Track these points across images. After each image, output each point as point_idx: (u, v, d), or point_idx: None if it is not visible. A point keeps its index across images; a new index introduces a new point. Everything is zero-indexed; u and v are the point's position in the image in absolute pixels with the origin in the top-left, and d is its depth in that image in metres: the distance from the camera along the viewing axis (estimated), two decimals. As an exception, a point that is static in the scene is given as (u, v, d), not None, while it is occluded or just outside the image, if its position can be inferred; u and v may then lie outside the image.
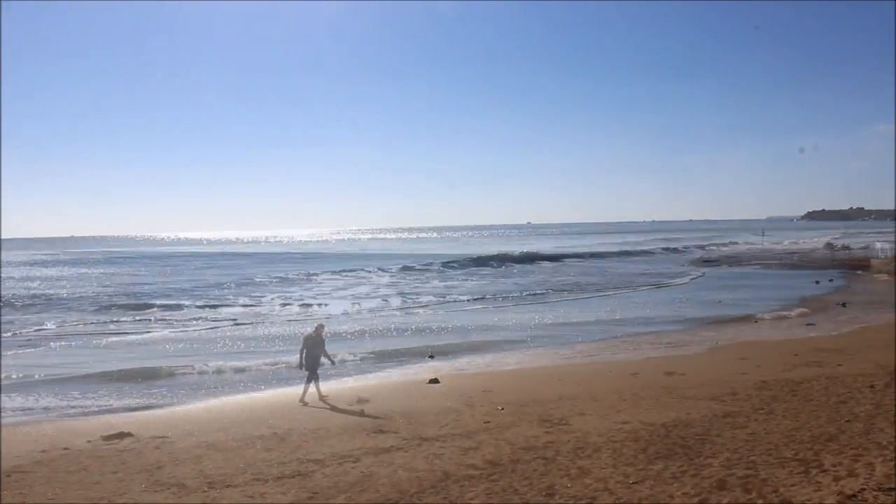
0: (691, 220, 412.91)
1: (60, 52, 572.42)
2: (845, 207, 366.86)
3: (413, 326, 29.93)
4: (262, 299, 43.71)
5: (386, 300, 42.55)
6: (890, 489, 7.54)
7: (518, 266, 74.15)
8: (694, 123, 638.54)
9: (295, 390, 17.13)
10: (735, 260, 69.62)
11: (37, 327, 32.02)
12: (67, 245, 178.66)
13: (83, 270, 77.47)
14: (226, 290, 50.60)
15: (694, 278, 53.46)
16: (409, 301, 41.43)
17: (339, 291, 49.78)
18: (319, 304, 40.49)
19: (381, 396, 15.81)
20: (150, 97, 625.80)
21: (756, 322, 29.61)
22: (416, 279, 59.66)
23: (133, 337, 28.89)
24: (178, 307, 39.58)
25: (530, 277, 58.85)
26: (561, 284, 50.62)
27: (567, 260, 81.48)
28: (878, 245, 60.05)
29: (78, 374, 20.42)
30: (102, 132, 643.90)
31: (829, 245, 74.93)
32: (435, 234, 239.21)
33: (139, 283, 58.34)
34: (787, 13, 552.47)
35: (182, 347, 25.75)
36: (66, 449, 11.79)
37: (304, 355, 16.21)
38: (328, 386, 16.36)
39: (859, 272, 53.55)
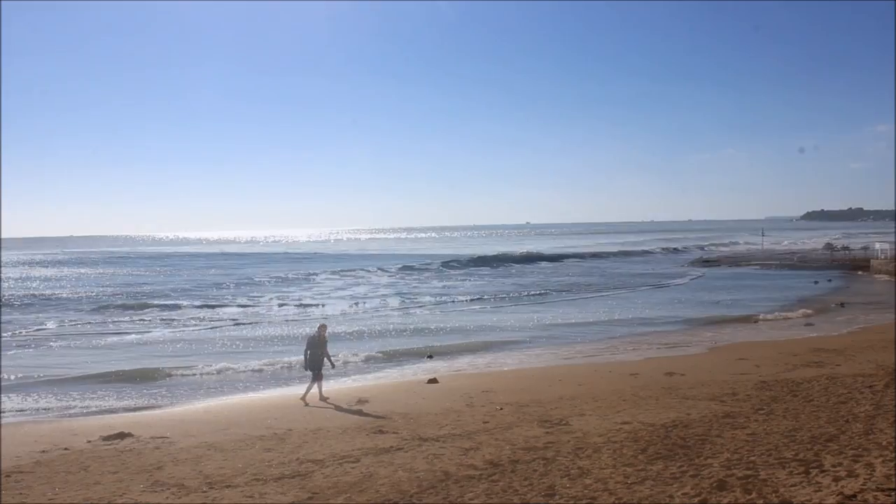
0: (690, 221, 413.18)
1: (60, 52, 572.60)
2: (844, 208, 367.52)
3: (412, 327, 29.94)
4: (262, 299, 43.73)
5: (385, 300, 42.57)
6: (890, 489, 7.53)
7: (517, 266, 74.19)
8: (693, 123, 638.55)
9: (294, 390, 17.14)
10: (735, 260, 69.63)
11: (36, 327, 32.03)
12: (66, 245, 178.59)
13: (82, 270, 77.45)
14: (225, 291, 50.61)
15: (693, 279, 53.50)
16: (408, 301, 41.43)
17: (338, 291, 49.79)
18: (318, 305, 40.51)
19: (381, 397, 15.81)
20: (149, 97, 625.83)
21: (756, 322, 29.64)
22: (416, 279, 59.67)
23: (132, 337, 28.89)
24: (178, 307, 39.60)
25: (529, 278, 58.87)
26: (560, 285, 50.64)
27: (566, 260, 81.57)
28: (878, 245, 59.98)
29: (77, 374, 20.44)
30: (101, 132, 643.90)
31: (828, 245, 74.90)
32: (434, 234, 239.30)
33: (138, 283, 58.34)
34: (787, 13, 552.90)
35: (181, 347, 25.75)
36: (66, 449, 11.78)
37: (307, 356, 16.22)
38: (328, 386, 16.36)
39: (860, 272, 53.62)
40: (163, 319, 34.39)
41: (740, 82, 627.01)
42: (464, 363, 21.53)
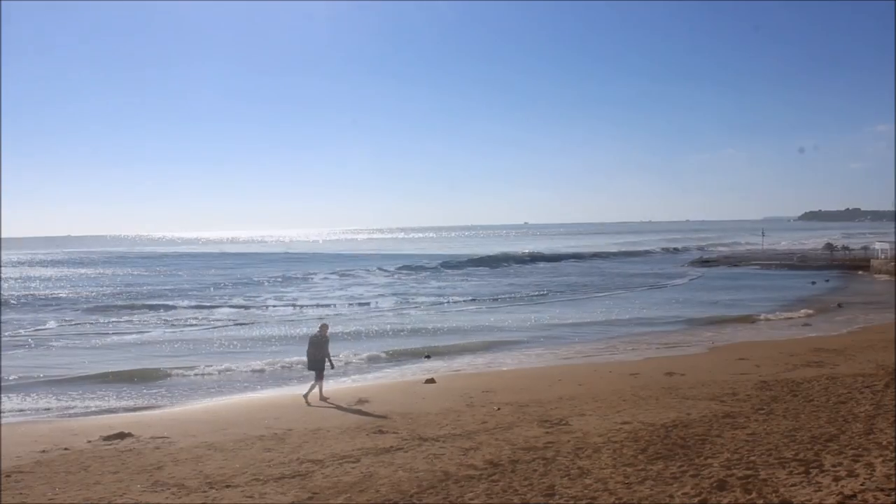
0: (687, 221, 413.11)
1: (59, 51, 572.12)
2: (842, 209, 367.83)
3: (411, 327, 29.94)
4: (260, 300, 43.74)
5: (383, 300, 42.56)
6: (890, 489, 7.54)
7: (516, 266, 74.23)
8: (693, 123, 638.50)
9: (294, 390, 17.15)
10: (734, 260, 69.65)
11: (36, 327, 32.02)
12: (64, 244, 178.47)
13: (82, 270, 77.41)
14: (224, 291, 50.61)
15: (693, 279, 53.53)
16: (406, 302, 41.43)
17: (336, 292, 49.80)
18: (317, 305, 40.51)
19: (381, 397, 15.81)
20: (149, 96, 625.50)
21: (756, 322, 29.67)
22: (414, 279, 59.69)
23: (132, 337, 28.89)
24: (177, 307, 39.62)
25: (528, 278, 58.89)
26: (560, 285, 50.66)
27: (565, 260, 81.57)
28: (878, 245, 60.06)
29: (77, 374, 20.42)
30: (101, 132, 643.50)
31: (828, 245, 74.98)
32: (432, 235, 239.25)
33: (138, 283, 58.33)
34: (787, 13, 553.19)
35: (181, 347, 25.74)
36: (66, 449, 11.78)
37: (309, 355, 16.23)
38: (327, 386, 16.35)
39: (860, 272, 53.69)
40: (162, 319, 34.39)
41: (740, 82, 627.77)
42: (463, 363, 21.55)
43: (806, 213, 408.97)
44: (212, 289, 51.92)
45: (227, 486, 9.35)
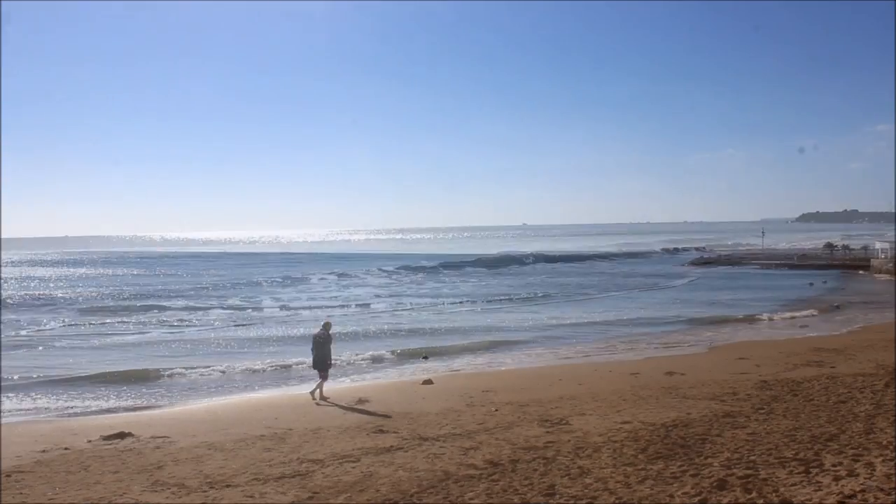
0: (685, 222, 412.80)
1: (59, 51, 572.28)
2: (839, 210, 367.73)
3: (410, 327, 29.93)
4: (259, 300, 43.71)
5: (382, 301, 42.53)
6: (890, 489, 7.54)
7: (515, 267, 74.26)
8: (693, 124, 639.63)
9: (294, 390, 17.16)
10: (734, 260, 69.70)
11: (36, 327, 32.02)
12: (63, 245, 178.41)
13: (81, 271, 77.40)
14: (223, 291, 50.60)
15: (693, 279, 53.54)
16: (405, 302, 41.42)
17: (334, 292, 49.79)
18: (316, 306, 40.45)
19: (381, 396, 15.80)
20: (149, 96, 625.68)
21: (756, 322, 29.67)
22: (413, 280, 59.71)
23: (132, 337, 28.88)
24: (176, 308, 39.58)
25: (527, 278, 58.90)
26: (559, 285, 50.67)
27: (565, 261, 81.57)
28: (878, 245, 60.11)
29: (77, 374, 20.39)
30: (101, 131, 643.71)
31: (828, 245, 75.05)
32: (430, 236, 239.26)
33: (137, 284, 58.35)
34: (787, 13, 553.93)
35: (181, 348, 25.73)
36: (66, 449, 11.77)
37: (314, 353, 16.24)
38: (327, 386, 16.35)
39: (860, 272, 53.71)
40: (161, 320, 34.37)
41: (740, 82, 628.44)
42: (463, 363, 21.55)
43: (803, 214, 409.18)
44: (211, 289, 51.90)
45: (228, 486, 9.34)
